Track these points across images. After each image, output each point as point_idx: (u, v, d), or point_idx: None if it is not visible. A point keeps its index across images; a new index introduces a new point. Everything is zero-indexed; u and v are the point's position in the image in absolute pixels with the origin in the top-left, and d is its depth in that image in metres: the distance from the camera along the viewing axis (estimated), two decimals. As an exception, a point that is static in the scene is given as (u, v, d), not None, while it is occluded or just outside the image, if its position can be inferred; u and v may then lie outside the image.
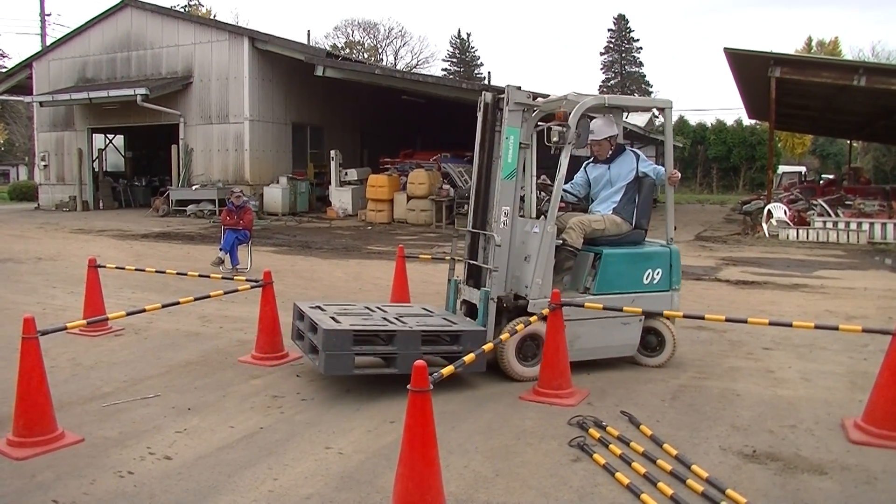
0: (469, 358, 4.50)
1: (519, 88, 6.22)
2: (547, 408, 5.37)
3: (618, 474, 4.18)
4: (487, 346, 4.91)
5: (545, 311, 5.62)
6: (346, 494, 3.99)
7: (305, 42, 32.60)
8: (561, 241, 6.35)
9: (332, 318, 5.86)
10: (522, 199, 6.52)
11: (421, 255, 10.77)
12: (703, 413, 5.40)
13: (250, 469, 4.29)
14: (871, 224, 18.62)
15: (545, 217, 6.25)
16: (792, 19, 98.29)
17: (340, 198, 23.12)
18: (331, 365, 5.52)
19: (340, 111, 26.94)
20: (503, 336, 5.44)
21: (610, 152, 6.82)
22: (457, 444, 4.67)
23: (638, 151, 6.87)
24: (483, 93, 6.42)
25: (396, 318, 6.09)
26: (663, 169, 6.68)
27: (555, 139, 6.08)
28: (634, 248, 6.61)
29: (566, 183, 6.70)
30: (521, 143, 6.23)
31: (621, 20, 77.01)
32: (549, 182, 6.69)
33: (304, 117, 25.56)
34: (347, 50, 56.82)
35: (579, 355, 6.21)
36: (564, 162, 6.19)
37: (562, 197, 6.75)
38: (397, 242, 13.06)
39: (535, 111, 6.37)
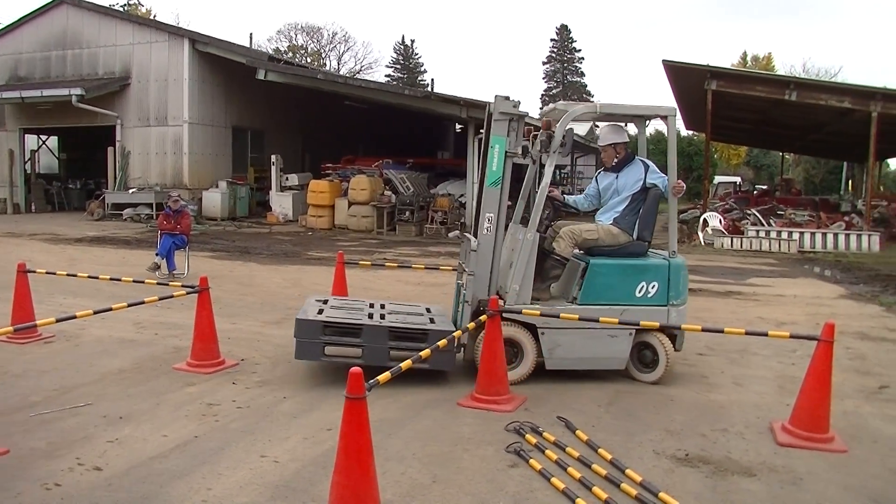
0: (425, 353, 4.65)
1: (507, 98, 6.27)
2: (485, 414, 5.40)
3: (553, 479, 4.23)
4: (442, 343, 5.03)
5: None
6: (282, 503, 3.95)
7: (248, 45, 32.28)
8: (550, 250, 6.41)
9: (318, 310, 6.37)
10: (513, 206, 6.55)
11: (361, 262, 10.72)
12: (638, 418, 5.50)
13: (184, 479, 4.21)
14: (801, 233, 19.22)
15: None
16: (729, 34, 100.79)
17: (281, 203, 22.89)
18: (301, 351, 6.09)
19: (282, 116, 26.67)
20: (456, 333, 5.46)
21: (616, 160, 6.62)
22: (394, 451, 4.67)
23: (648, 162, 6.57)
24: (488, 104, 6.41)
25: (381, 315, 6.37)
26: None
27: (538, 148, 6.14)
28: (627, 259, 6.36)
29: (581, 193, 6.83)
30: (507, 153, 6.25)
31: (564, 30, 78.05)
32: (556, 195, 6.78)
33: (245, 121, 25.25)
34: (290, 54, 56.28)
35: (559, 364, 6.25)
36: (549, 170, 6.30)
37: (573, 206, 6.95)
38: (338, 248, 12.99)
39: (523, 120, 6.37)
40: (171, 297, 6.79)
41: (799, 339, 5.83)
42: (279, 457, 4.57)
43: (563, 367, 6.28)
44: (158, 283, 7.58)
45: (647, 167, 6.49)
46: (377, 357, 5.96)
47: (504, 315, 5.97)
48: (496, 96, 6.27)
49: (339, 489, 3.50)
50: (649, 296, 6.24)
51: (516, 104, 6.25)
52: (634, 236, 6.45)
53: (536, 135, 6.24)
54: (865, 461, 4.79)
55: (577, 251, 6.55)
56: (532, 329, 6.18)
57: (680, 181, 6.56)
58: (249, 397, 5.73)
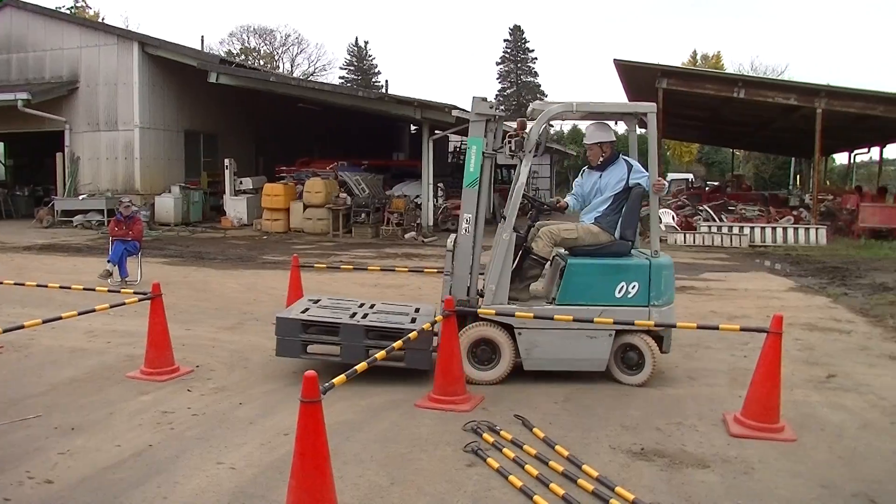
0: (380, 355, 4.69)
1: (484, 99, 6.30)
2: (442, 414, 5.41)
3: (511, 477, 4.26)
4: (397, 344, 5.02)
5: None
6: (239, 510, 3.92)
7: (199, 48, 31.87)
8: (529, 250, 6.43)
9: (304, 309, 6.57)
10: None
11: (316, 265, 10.65)
12: (594, 414, 5.56)
13: (138, 489, 4.16)
14: (752, 228, 19.59)
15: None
16: (679, 33, 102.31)
17: (235, 207, 22.65)
18: (281, 348, 6.29)
19: (235, 119, 26.38)
20: (412, 335, 5.45)
21: (602, 158, 6.54)
22: (352, 455, 4.66)
23: (632, 161, 6.50)
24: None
25: (364, 314, 6.48)
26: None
27: (513, 148, 6.15)
28: (607, 259, 6.28)
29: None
30: (484, 153, 6.27)
31: (517, 31, 78.48)
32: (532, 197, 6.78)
33: (197, 125, 24.92)
34: (243, 57, 55.66)
35: (537, 365, 6.24)
36: (524, 170, 6.28)
37: (558, 205, 6.90)
38: (293, 252, 12.91)
39: (500, 121, 6.37)
40: (123, 304, 6.69)
41: (749, 331, 5.95)
42: (236, 463, 4.53)
43: (541, 367, 6.26)
44: (110, 291, 7.43)
45: (630, 167, 6.42)
46: (355, 355, 5.97)
47: (481, 315, 6.05)
48: (473, 97, 6.32)
49: (296, 493, 3.49)
50: (629, 296, 6.15)
51: (492, 105, 6.28)
52: (617, 236, 6.38)
53: (510, 135, 6.25)
54: (814, 448, 4.92)
55: (562, 251, 6.53)
56: (510, 329, 6.17)
57: (661, 179, 6.55)
58: (205, 404, 5.67)
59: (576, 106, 6.34)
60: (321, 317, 6.40)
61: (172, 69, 23.02)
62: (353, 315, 6.48)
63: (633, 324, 5.91)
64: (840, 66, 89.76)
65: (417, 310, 6.89)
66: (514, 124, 6.73)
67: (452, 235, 6.48)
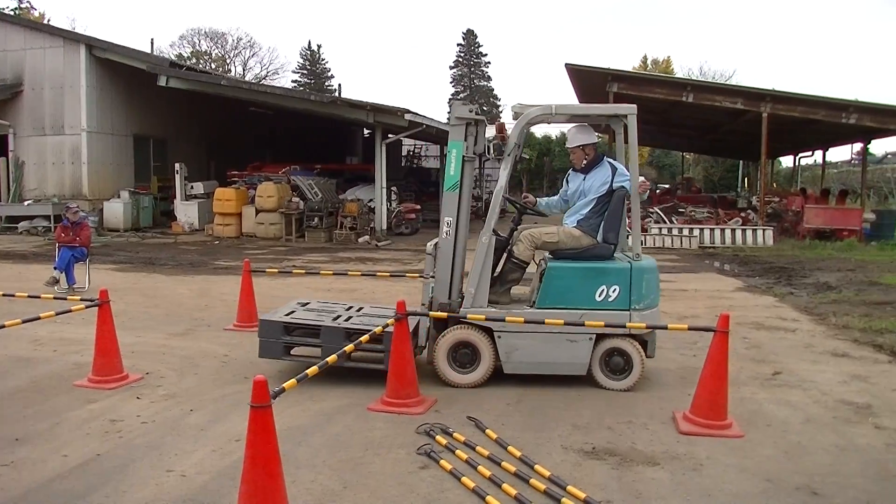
0: (332, 359, 4.66)
1: (463, 103, 6.29)
2: (395, 417, 5.41)
3: (464, 479, 4.27)
4: (348, 348, 5.03)
5: (481, 318, 5.89)
6: (189, 517, 3.88)
7: (149, 51, 31.40)
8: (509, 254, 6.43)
9: (290, 311, 6.69)
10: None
11: (268, 270, 10.57)
12: (546, 414, 5.61)
13: (85, 499, 4.08)
14: (702, 230, 19.96)
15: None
16: (631, 38, 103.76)
17: (186, 212, 22.36)
18: (264, 350, 6.42)
19: (186, 123, 26.05)
20: (363, 338, 5.43)
21: (585, 161, 6.47)
22: (304, 459, 4.63)
23: (616, 164, 6.43)
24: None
25: (349, 317, 6.55)
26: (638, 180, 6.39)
27: (493, 152, 6.17)
28: (587, 262, 6.21)
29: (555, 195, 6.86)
30: (464, 157, 6.26)
31: (470, 35, 78.73)
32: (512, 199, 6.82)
33: (146, 129, 24.54)
34: (194, 60, 55.06)
35: (517, 368, 6.22)
36: (503, 174, 6.29)
37: (545, 210, 6.90)
38: (245, 257, 12.75)
39: (480, 124, 6.35)
40: (70, 311, 6.55)
41: (697, 331, 6.06)
42: (186, 470, 4.48)
43: (521, 371, 6.24)
44: (56, 298, 7.29)
45: (614, 169, 6.35)
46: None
47: (459, 318, 6.08)
48: (454, 102, 6.35)
49: (247, 499, 3.46)
50: (610, 300, 6.09)
51: (472, 109, 6.28)
52: (599, 239, 6.31)
53: (489, 138, 6.26)
54: (760, 444, 5.02)
55: (546, 254, 6.52)
56: (489, 332, 6.17)
57: (644, 180, 6.55)
58: (155, 411, 5.59)
59: (555, 109, 6.33)
60: (303, 319, 6.45)
61: (121, 72, 22.65)
62: (337, 318, 6.50)
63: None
64: (785, 71, 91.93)
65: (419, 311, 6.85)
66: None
67: (434, 239, 6.48)
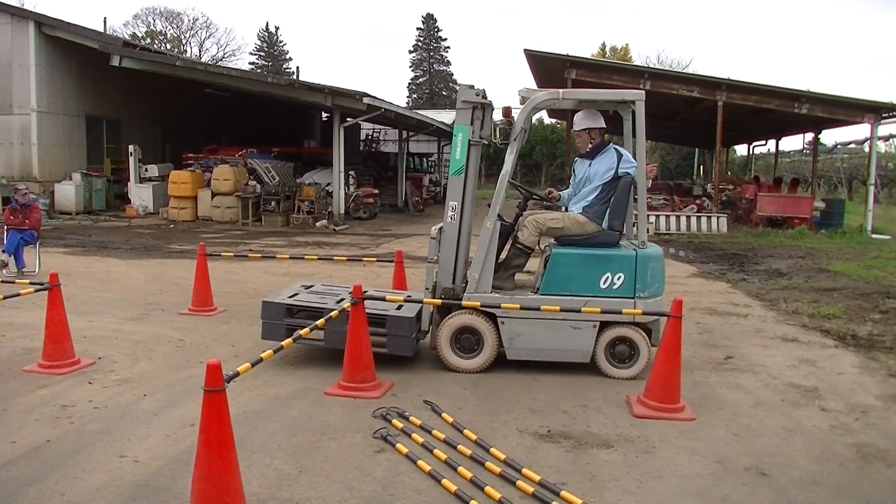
0: (304, 331, 4.77)
1: (470, 87, 6.23)
2: (351, 402, 5.41)
3: (420, 462, 4.29)
4: (304, 332, 4.92)
5: (476, 305, 5.89)
6: (142, 503, 3.83)
7: (102, 30, 30.70)
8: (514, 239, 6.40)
9: (293, 293, 6.70)
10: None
11: (224, 253, 10.43)
12: (502, 398, 5.64)
13: (34, 486, 4.00)
14: (658, 216, 20.18)
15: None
16: (590, 24, 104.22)
17: (141, 195, 21.98)
18: (266, 332, 6.41)
19: (140, 104, 25.52)
20: (332, 313, 5.42)
21: (590, 145, 6.42)
22: (260, 444, 4.61)
23: (622, 150, 6.34)
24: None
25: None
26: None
27: (498, 137, 6.11)
28: (592, 249, 6.17)
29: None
30: (469, 141, 6.21)
31: (430, 19, 78.36)
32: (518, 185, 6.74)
33: (99, 110, 24.01)
34: (148, 40, 54.00)
35: (519, 354, 6.21)
36: (509, 158, 6.22)
37: (550, 196, 6.86)
38: (201, 241, 12.61)
39: (486, 108, 6.29)
40: (18, 295, 6.40)
41: (651, 315, 6.11)
42: (139, 456, 4.42)
43: (524, 357, 6.23)
44: (4, 282, 7.12)
45: (620, 155, 6.28)
46: (338, 341, 5.98)
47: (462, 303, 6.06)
48: (460, 85, 6.29)
49: (201, 484, 3.43)
50: (615, 287, 6.05)
51: (479, 93, 6.22)
52: (605, 226, 6.25)
53: (496, 123, 6.20)
54: (712, 427, 5.12)
55: (551, 241, 6.48)
56: (493, 318, 6.15)
57: (652, 165, 6.52)
58: (107, 396, 5.50)
59: (562, 94, 6.28)
60: (306, 301, 6.45)
61: (72, 51, 22.10)
62: (341, 300, 6.45)
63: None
64: (741, 61, 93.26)
65: (409, 297, 6.77)
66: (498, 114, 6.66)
67: (438, 224, 6.46)
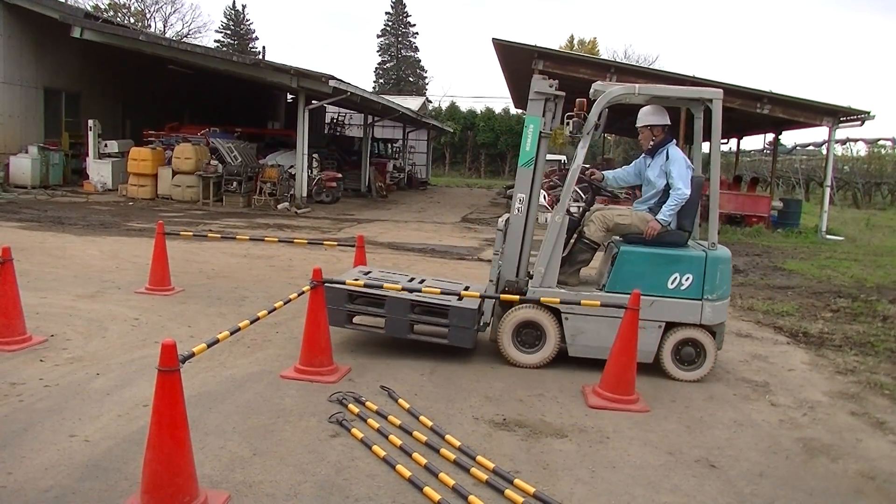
0: (224, 335, 4.45)
1: (543, 78, 6.15)
2: (308, 385, 5.39)
3: (375, 447, 4.29)
4: (277, 304, 4.84)
5: (543, 300, 5.84)
6: (91, 484, 3.77)
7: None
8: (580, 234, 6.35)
9: (354, 279, 6.47)
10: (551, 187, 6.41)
11: (183, 233, 10.29)
12: (458, 386, 5.67)
13: (-21, 463, 3.93)
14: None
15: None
16: (559, 16, 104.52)
17: (99, 171, 21.58)
18: (330, 317, 5.99)
19: (101, 78, 25.01)
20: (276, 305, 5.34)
21: (652, 142, 6.36)
22: (214, 426, 4.57)
23: (677, 153, 6.25)
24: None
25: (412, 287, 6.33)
26: (683, 186, 6.13)
27: (571, 129, 6.02)
28: (661, 248, 6.08)
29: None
30: (541, 133, 6.15)
31: (399, 4, 77.85)
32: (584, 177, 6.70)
33: (58, 82, 23.49)
34: (111, 13, 52.77)
35: (582, 351, 6.15)
36: (580, 152, 6.11)
37: (608, 186, 6.83)
38: (160, 219, 12.43)
39: (558, 100, 6.20)
40: (-31, 269, 6.27)
41: (609, 307, 6.17)
42: (90, 436, 4.36)
43: (586, 354, 6.15)
44: (-46, 255, 6.95)
45: (667, 158, 6.24)
46: (399, 329, 6.02)
47: (527, 296, 6.04)
48: (534, 76, 6.22)
49: (153, 465, 3.39)
50: (682, 288, 5.96)
51: (553, 84, 6.16)
52: (674, 225, 6.20)
53: (568, 116, 6.10)
54: (665, 418, 5.21)
55: (616, 237, 6.41)
56: (557, 314, 6.10)
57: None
58: (59, 375, 5.41)
59: (638, 89, 6.17)
60: (369, 289, 6.30)
61: (31, 20, 21.57)
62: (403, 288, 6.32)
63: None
64: (706, 60, 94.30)
65: (467, 288, 6.64)
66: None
67: (505, 215, 6.40)
